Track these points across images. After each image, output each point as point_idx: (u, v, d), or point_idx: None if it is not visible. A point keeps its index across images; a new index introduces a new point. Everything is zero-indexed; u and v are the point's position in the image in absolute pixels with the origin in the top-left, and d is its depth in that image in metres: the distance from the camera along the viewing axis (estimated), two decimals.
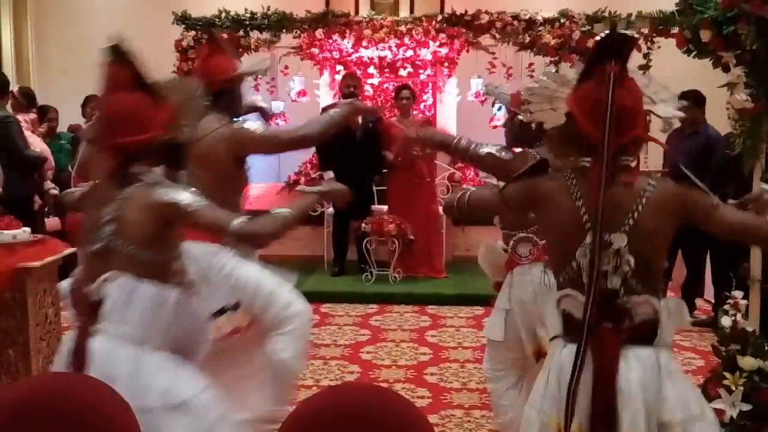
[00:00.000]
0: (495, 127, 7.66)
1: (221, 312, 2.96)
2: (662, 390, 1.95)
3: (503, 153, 3.01)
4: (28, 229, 3.87)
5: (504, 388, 3.19)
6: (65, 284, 2.30)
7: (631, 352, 1.96)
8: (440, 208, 3.22)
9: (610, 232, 1.97)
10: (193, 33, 6.99)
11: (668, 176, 2.08)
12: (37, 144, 6.06)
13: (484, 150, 3.01)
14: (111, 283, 2.12)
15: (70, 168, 6.21)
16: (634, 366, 1.95)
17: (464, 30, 7.06)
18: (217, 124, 2.96)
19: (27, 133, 6.04)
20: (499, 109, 3.08)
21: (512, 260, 3.08)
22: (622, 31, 2.06)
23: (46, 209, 6.16)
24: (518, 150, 3.05)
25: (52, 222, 6.17)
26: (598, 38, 2.04)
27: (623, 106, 1.96)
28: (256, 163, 8.55)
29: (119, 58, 2.22)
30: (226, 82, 3.09)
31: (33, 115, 6.40)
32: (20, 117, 6.13)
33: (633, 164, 2.05)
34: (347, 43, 7.21)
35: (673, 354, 2.07)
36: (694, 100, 5.55)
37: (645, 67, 5.65)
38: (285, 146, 3.22)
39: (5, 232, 3.74)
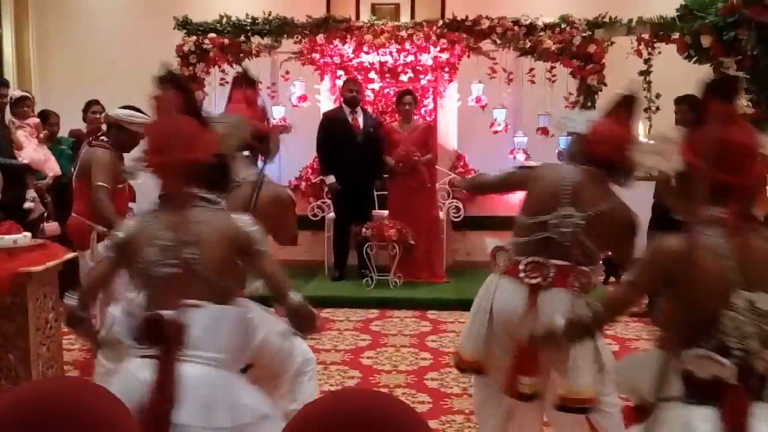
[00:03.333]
0: (495, 132, 7.69)
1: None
2: None
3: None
4: (28, 234, 3.88)
5: (489, 417, 3.05)
6: (117, 311, 2.22)
7: (756, 409, 1.91)
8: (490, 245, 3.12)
9: (756, 291, 1.87)
10: (194, 38, 7.00)
11: None
12: (30, 150, 6.05)
13: (511, 169, 3.06)
14: (197, 310, 2.11)
15: (73, 169, 6.22)
16: (763, 423, 1.91)
17: (465, 35, 7.07)
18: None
19: (24, 139, 6.04)
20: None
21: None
22: (729, 74, 2.03)
23: (46, 214, 6.16)
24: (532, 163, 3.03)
25: (52, 227, 6.16)
26: (706, 81, 1.98)
27: (745, 145, 1.89)
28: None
29: (175, 83, 2.27)
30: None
31: (36, 120, 6.40)
32: (22, 122, 6.13)
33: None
34: (348, 49, 7.21)
35: None
36: (689, 104, 5.54)
37: (646, 73, 5.65)
38: None
39: (6, 236, 3.74)
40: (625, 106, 2.85)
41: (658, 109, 5.99)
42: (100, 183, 4.19)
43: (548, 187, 2.86)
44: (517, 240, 2.89)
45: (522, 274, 2.83)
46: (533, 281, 2.81)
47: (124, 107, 4.48)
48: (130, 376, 2.09)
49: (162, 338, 2.06)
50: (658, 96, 5.92)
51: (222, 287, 2.18)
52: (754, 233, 1.90)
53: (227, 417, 2.05)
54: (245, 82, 3.48)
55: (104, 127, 4.48)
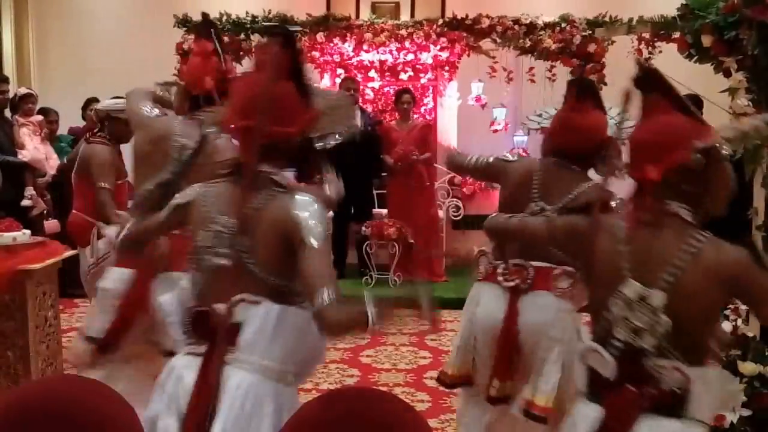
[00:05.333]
0: (495, 131, 7.68)
1: None
2: None
3: (507, 156, 2.92)
4: (28, 232, 3.88)
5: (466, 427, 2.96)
6: (167, 300, 1.96)
7: (651, 421, 1.74)
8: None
9: (647, 285, 1.75)
10: (194, 36, 6.99)
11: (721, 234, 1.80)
12: (31, 148, 6.04)
13: (491, 158, 2.89)
14: (251, 308, 1.82)
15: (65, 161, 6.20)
16: None
17: (465, 34, 7.06)
18: None
19: (27, 137, 6.04)
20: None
21: None
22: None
23: (45, 212, 6.15)
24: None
25: (52, 224, 6.16)
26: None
27: (642, 139, 1.85)
28: None
29: (285, 38, 1.94)
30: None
31: (39, 117, 6.39)
32: (26, 119, 6.13)
33: (673, 209, 1.80)
34: (348, 47, 7.21)
35: None
36: (692, 103, 5.54)
37: None
38: None
39: (5, 234, 3.73)
40: (586, 93, 2.74)
41: None
42: (103, 185, 4.15)
43: (517, 184, 2.76)
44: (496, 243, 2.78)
45: (500, 278, 2.74)
46: (511, 284, 2.71)
47: (112, 99, 4.47)
48: (174, 379, 1.86)
49: (209, 335, 1.82)
50: None
51: (278, 288, 1.85)
52: (659, 228, 1.79)
53: None
54: (199, 31, 3.05)
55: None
